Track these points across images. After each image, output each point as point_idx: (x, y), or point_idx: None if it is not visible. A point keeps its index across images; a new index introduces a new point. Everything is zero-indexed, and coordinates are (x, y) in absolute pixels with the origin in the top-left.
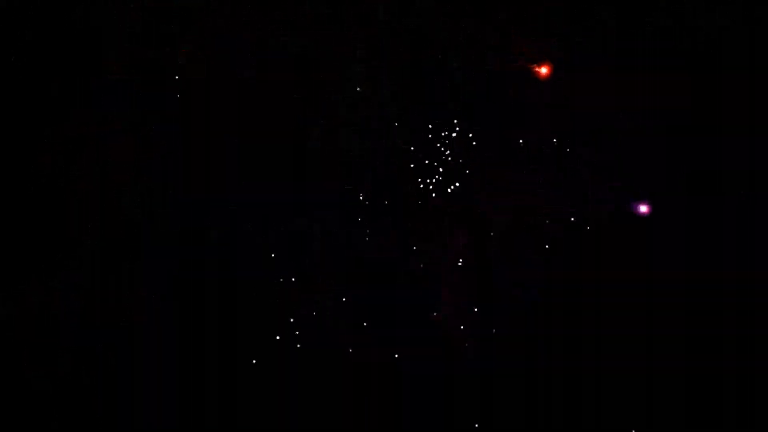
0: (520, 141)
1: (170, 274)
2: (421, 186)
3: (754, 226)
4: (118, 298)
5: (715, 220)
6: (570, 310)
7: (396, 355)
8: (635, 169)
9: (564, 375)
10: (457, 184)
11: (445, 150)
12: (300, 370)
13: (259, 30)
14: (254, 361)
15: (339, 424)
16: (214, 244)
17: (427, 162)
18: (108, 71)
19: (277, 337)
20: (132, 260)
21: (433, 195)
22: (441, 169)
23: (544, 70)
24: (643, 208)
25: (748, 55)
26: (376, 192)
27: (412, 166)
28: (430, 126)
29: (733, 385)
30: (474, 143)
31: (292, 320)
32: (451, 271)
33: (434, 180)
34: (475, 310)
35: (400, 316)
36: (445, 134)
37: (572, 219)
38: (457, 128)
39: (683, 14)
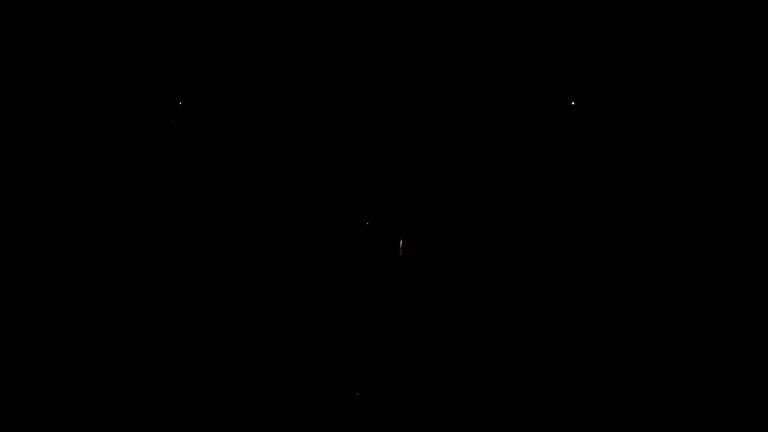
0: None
1: (170, 274)
2: None
3: (755, 226)
4: (118, 298)
5: (715, 219)
6: (569, 310)
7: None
8: (635, 169)
9: (564, 375)
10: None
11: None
12: (299, 370)
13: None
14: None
15: (339, 424)
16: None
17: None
18: (108, 71)
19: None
20: (132, 260)
21: None
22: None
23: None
24: None
25: (748, 55)
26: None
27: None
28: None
29: (733, 386)
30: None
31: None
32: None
33: None
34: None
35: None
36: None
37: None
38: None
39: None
